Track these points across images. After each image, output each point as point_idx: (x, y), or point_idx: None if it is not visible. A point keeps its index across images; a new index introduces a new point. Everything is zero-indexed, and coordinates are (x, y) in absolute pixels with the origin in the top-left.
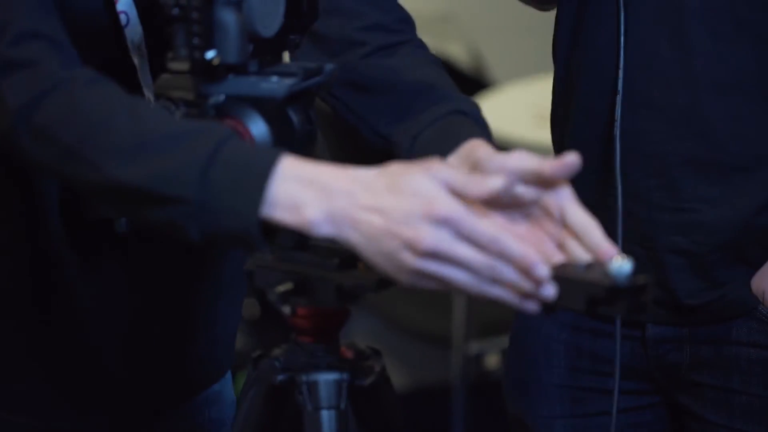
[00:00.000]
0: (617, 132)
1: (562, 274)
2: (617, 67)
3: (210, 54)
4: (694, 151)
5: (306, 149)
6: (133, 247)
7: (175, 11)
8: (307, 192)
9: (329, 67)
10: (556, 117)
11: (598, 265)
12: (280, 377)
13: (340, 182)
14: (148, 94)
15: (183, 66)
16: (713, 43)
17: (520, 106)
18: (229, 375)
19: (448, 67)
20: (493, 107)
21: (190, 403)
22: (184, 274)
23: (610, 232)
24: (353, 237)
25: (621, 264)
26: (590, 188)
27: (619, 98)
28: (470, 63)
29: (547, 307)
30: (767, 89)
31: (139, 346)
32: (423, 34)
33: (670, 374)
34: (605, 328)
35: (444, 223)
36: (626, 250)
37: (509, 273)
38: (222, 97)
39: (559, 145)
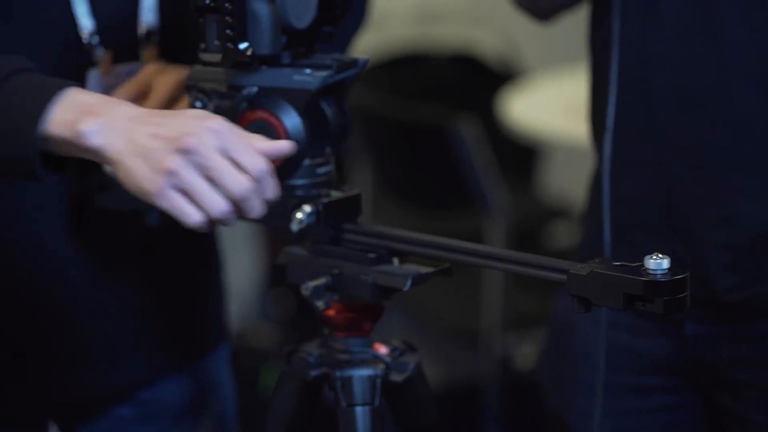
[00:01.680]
0: (609, 138)
1: (599, 271)
2: (642, 61)
3: (243, 45)
4: (731, 143)
5: (339, 142)
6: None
7: (208, 2)
8: (85, 110)
9: (363, 59)
10: (594, 110)
11: (635, 262)
12: (313, 373)
13: (120, 105)
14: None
15: (215, 57)
16: (746, 32)
17: (552, 98)
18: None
19: (480, 60)
20: (524, 99)
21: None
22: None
23: (654, 227)
24: (119, 144)
25: (659, 260)
26: (636, 183)
27: (613, 96)
28: (502, 55)
29: (586, 303)
30: None
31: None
32: (456, 28)
33: (709, 372)
34: (643, 325)
35: (213, 132)
36: (666, 246)
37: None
38: (254, 89)
39: (599, 139)
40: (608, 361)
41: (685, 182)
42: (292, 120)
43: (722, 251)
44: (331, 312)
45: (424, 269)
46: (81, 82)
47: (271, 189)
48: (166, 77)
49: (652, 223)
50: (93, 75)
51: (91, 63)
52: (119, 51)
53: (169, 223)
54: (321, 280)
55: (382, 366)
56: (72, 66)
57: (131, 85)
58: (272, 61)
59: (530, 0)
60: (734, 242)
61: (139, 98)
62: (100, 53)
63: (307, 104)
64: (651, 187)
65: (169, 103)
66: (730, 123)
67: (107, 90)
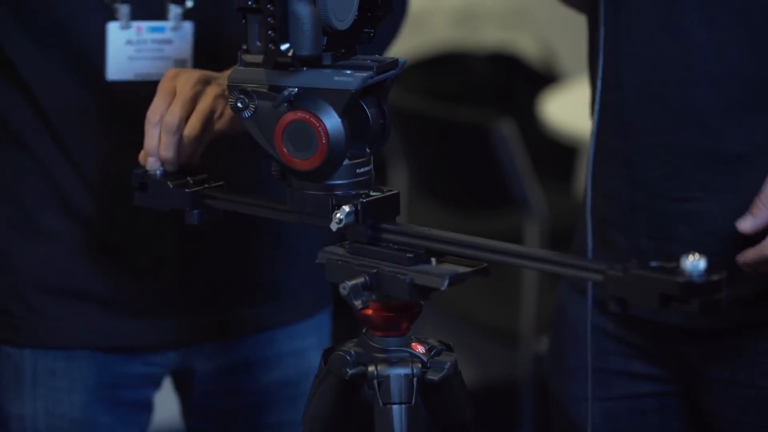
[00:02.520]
0: (592, 140)
1: (636, 272)
2: (617, 62)
3: (284, 46)
4: (694, 140)
5: (379, 142)
6: None
7: (251, 3)
8: None
9: (403, 60)
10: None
11: (671, 262)
12: (351, 371)
13: None
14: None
15: (257, 58)
16: (708, 32)
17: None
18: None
19: (518, 61)
20: (563, 101)
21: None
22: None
23: (623, 223)
24: None
25: (695, 261)
26: (609, 180)
27: (598, 95)
28: (541, 57)
29: (622, 304)
30: (764, 78)
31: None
32: (495, 28)
33: (682, 364)
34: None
35: None
36: (634, 243)
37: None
38: (295, 90)
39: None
40: (597, 347)
41: (652, 179)
42: (332, 120)
43: (689, 246)
44: (369, 311)
45: (462, 269)
46: (101, 35)
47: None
48: (185, 77)
49: (623, 220)
50: (111, 28)
51: (111, 16)
52: (143, 5)
53: (209, 222)
54: (359, 280)
55: (418, 365)
56: (92, 17)
57: (161, 94)
58: (313, 62)
59: None
60: (701, 238)
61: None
62: (123, 8)
63: (347, 105)
64: (621, 184)
65: (193, 101)
66: (693, 121)
67: (127, 45)
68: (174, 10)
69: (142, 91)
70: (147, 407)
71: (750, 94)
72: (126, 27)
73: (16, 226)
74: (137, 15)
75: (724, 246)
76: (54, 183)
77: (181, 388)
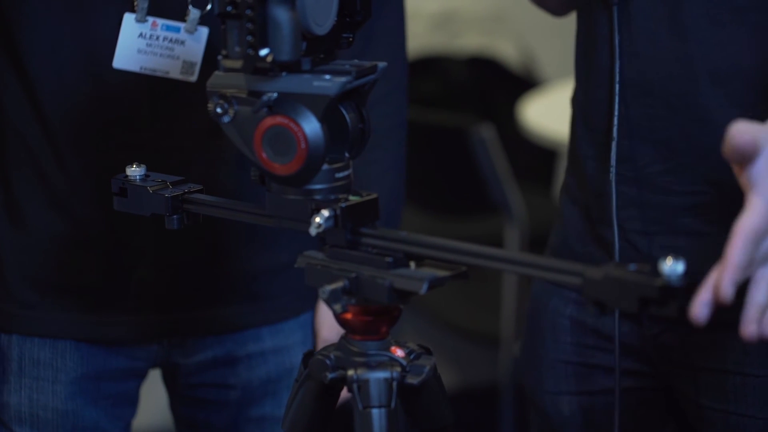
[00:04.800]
0: (614, 144)
1: (614, 275)
2: (612, 60)
3: (263, 51)
4: (697, 137)
5: (358, 147)
6: None
7: (230, 8)
8: None
9: (382, 65)
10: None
11: (649, 265)
12: (330, 375)
13: None
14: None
15: (236, 64)
16: (710, 30)
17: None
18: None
19: (498, 65)
20: (543, 106)
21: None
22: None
23: (622, 221)
24: None
25: (674, 264)
26: (603, 177)
27: (617, 96)
28: (521, 62)
29: (601, 306)
30: (765, 74)
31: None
32: (475, 33)
33: (666, 356)
34: None
35: None
36: (632, 240)
37: None
38: (274, 95)
39: (573, 136)
40: (576, 340)
41: (655, 174)
42: (311, 125)
43: (694, 237)
44: (348, 315)
45: (441, 272)
46: (114, 27)
47: None
48: None
49: (622, 218)
50: (127, 19)
51: (131, 8)
52: (164, 3)
53: (189, 226)
54: (338, 284)
55: (398, 369)
56: (110, 9)
57: None
58: (292, 67)
59: None
60: (706, 228)
61: None
62: (142, 1)
63: (326, 109)
64: (623, 182)
65: None
66: (693, 118)
67: (139, 38)
68: (193, 14)
69: (142, 85)
70: (131, 401)
71: (752, 91)
72: (142, 20)
73: (7, 213)
74: (156, 12)
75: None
76: (42, 174)
77: (167, 380)
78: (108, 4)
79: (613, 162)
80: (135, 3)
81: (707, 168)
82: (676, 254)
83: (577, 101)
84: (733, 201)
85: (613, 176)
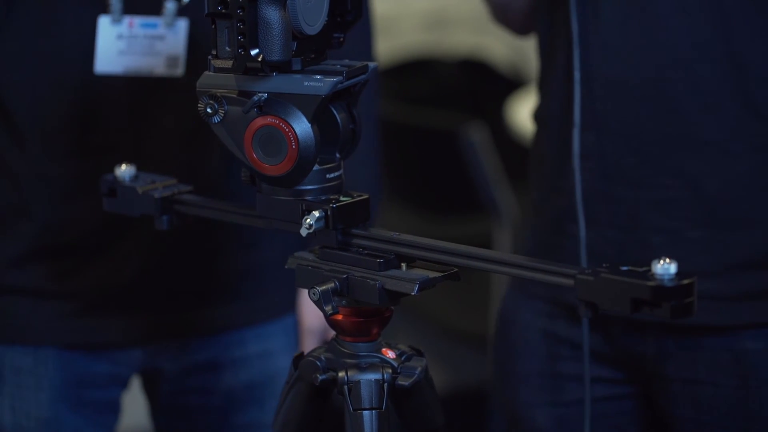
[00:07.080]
0: (576, 133)
1: (606, 276)
2: (585, 54)
3: (254, 51)
4: (664, 127)
5: (349, 147)
6: None
7: (220, 8)
8: None
9: (373, 65)
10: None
11: (642, 267)
12: (321, 377)
13: None
14: None
15: (226, 64)
16: (678, 17)
17: None
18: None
19: (488, 66)
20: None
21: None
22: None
23: (591, 217)
24: None
25: (666, 265)
26: (570, 175)
27: (577, 92)
28: (511, 63)
29: (593, 308)
30: (733, 62)
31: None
32: (465, 34)
33: (638, 366)
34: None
35: None
36: (603, 236)
37: None
38: (265, 95)
39: (538, 129)
40: (549, 352)
41: (624, 168)
42: (302, 126)
43: (664, 235)
44: (339, 317)
45: (432, 274)
46: (92, 29)
47: None
48: None
49: (593, 214)
50: (102, 22)
51: (104, 10)
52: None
53: (178, 227)
54: (329, 285)
55: (389, 370)
56: (84, 12)
57: None
58: (283, 67)
59: (503, 13)
60: (675, 225)
61: None
62: (115, 1)
63: (317, 110)
64: (593, 177)
65: None
66: (660, 107)
67: (118, 40)
68: (170, 7)
69: (119, 86)
70: (114, 409)
71: (719, 76)
72: (117, 21)
73: None
74: (130, 8)
75: (698, 234)
76: (16, 182)
77: (148, 388)
78: (77, 4)
79: (576, 149)
80: (108, 3)
81: (676, 159)
82: (646, 250)
83: (540, 113)
84: (702, 196)
85: (576, 166)
